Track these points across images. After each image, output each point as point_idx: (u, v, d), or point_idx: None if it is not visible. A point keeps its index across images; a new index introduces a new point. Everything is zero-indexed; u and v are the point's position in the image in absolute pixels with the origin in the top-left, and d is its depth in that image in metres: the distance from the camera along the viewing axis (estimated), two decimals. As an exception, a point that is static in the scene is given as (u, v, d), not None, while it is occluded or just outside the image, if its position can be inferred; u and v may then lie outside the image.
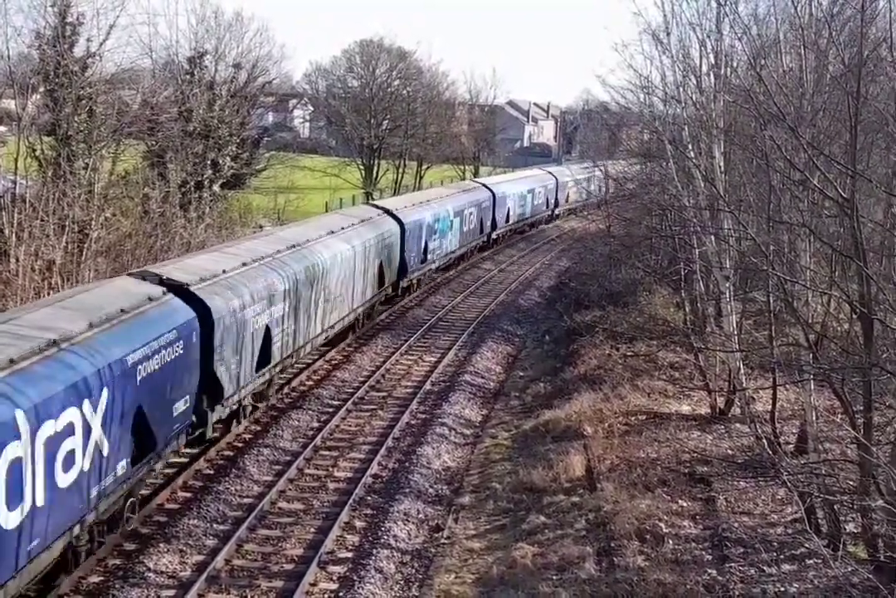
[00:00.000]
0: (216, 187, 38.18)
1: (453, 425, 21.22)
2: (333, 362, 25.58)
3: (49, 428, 11.36)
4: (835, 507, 13.23)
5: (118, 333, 13.74)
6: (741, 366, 17.29)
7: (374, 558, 14.49)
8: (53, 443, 11.47)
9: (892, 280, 12.04)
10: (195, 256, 20.35)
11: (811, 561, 13.43)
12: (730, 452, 18.03)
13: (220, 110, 38.24)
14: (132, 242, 28.80)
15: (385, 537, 15.26)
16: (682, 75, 19.14)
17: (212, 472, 17.64)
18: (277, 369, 20.66)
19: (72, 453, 11.97)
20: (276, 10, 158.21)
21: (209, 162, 37.38)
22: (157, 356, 14.40)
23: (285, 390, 22.37)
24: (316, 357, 25.06)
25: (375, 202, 34.53)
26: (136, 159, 36.23)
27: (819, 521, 13.81)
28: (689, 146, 18.10)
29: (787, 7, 16.22)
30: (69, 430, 11.84)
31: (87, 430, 12.28)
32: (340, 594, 13.50)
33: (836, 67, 14.37)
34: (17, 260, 23.97)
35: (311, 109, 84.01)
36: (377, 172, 62.22)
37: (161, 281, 16.61)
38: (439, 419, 21.36)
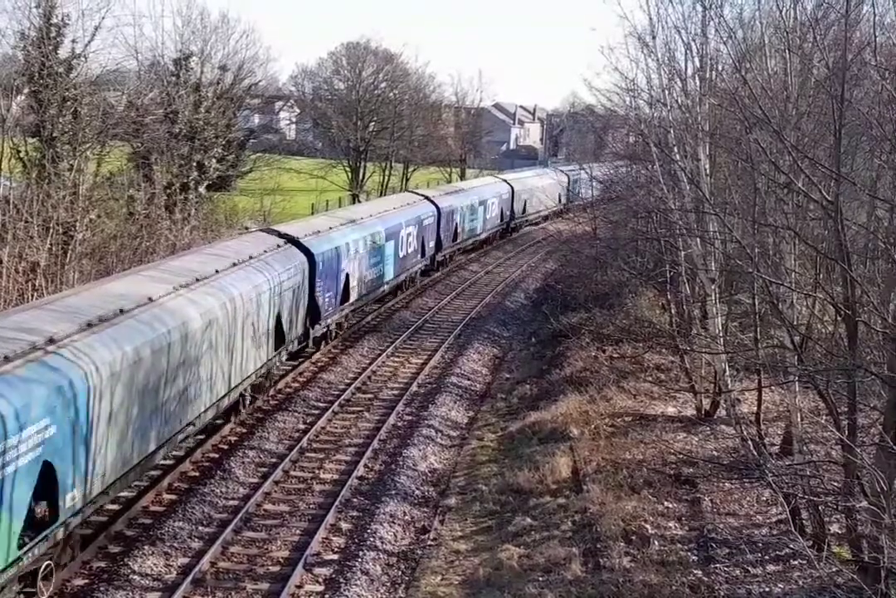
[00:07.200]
0: (202, 189, 38.12)
1: (440, 427, 21.22)
2: (319, 364, 25.54)
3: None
4: (819, 508, 13.30)
5: None
6: (726, 368, 17.35)
7: (360, 560, 14.46)
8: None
9: (876, 283, 12.13)
10: None
11: (796, 562, 13.50)
12: (715, 453, 18.09)
13: (206, 112, 38.20)
14: (117, 243, 28.72)
15: (371, 539, 15.24)
16: (667, 78, 19.21)
17: (197, 474, 17.58)
18: (80, 517, 13.10)
19: None
20: (262, 12, 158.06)
21: (195, 164, 37.32)
22: None
23: (271, 392, 22.31)
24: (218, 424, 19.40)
25: (276, 228, 25.82)
26: (122, 161, 36.17)
27: (804, 522, 13.87)
28: (675, 149, 18.17)
29: (772, 11, 16.34)
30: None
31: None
32: (326, 596, 13.47)
33: (820, 71, 14.48)
34: (1, 262, 23.84)
35: (298, 111, 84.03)
36: (364, 174, 62.23)
37: None
38: (426, 421, 21.35)
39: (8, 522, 11.19)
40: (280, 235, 24.31)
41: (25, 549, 11.70)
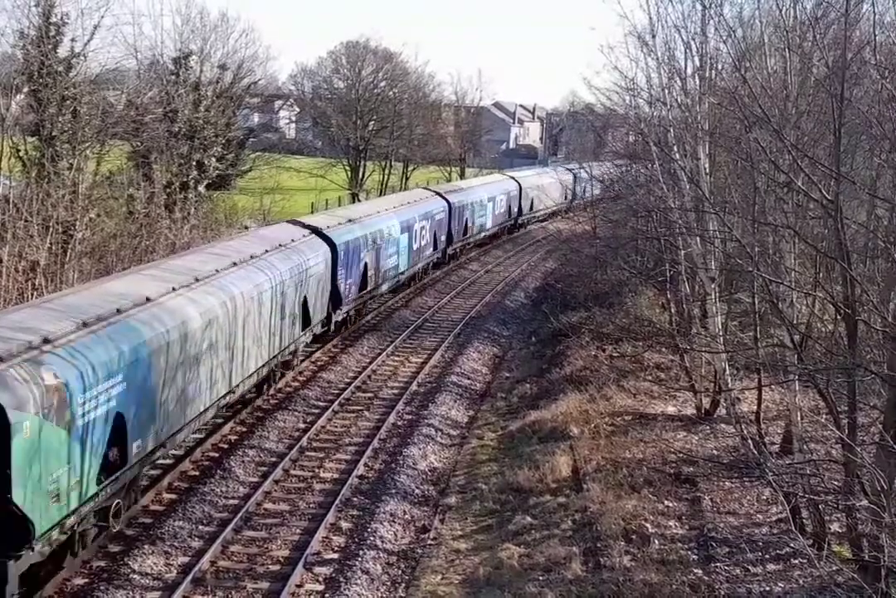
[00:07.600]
0: (201, 188, 38.11)
1: (440, 426, 21.22)
2: (319, 364, 25.54)
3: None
4: (819, 507, 13.30)
5: None
6: (726, 367, 17.35)
7: (360, 559, 14.47)
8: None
9: (876, 281, 12.13)
10: None
11: (796, 561, 13.50)
12: (715, 452, 18.09)
13: (206, 111, 38.18)
14: (117, 242, 28.71)
15: (371, 538, 15.24)
16: (667, 77, 19.22)
17: (197, 473, 17.58)
18: None
19: None
20: (261, 11, 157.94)
21: (194, 163, 37.30)
22: None
23: (271, 391, 22.32)
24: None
25: (301, 220, 27.46)
26: (121, 160, 36.14)
27: (804, 521, 13.87)
28: (675, 148, 18.16)
29: (771, 10, 16.34)
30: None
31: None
32: (326, 595, 13.47)
33: (820, 70, 14.47)
34: (1, 261, 23.83)
35: (297, 110, 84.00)
36: (363, 173, 62.24)
37: None
38: (426, 420, 21.35)
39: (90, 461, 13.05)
40: (304, 226, 26.02)
41: (102, 486, 13.43)
